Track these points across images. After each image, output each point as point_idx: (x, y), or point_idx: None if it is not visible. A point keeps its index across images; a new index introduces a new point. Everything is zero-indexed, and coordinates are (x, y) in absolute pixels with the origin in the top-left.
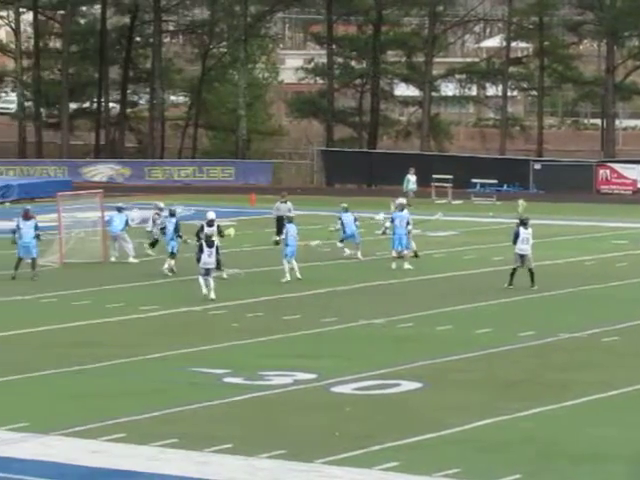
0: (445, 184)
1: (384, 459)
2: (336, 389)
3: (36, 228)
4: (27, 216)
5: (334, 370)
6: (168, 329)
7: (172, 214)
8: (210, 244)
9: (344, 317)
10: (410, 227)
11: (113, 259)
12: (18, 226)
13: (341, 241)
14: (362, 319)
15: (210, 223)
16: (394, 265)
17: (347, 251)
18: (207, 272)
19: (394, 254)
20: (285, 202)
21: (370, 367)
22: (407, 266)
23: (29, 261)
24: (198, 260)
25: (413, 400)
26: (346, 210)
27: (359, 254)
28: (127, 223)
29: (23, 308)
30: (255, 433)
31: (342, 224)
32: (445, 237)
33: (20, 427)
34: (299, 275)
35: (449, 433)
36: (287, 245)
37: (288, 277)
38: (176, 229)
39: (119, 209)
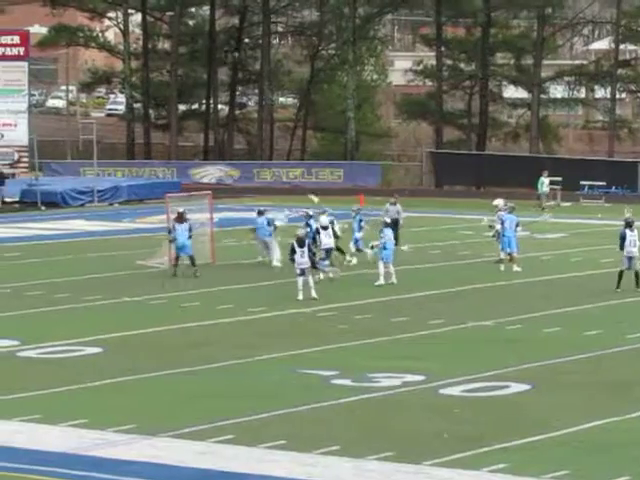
0: (554, 186)
1: (492, 461)
2: (444, 391)
3: (190, 230)
4: (181, 219)
5: (442, 372)
6: (277, 330)
7: (309, 217)
8: (301, 244)
9: (452, 319)
10: (519, 229)
11: (261, 258)
12: (174, 227)
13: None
14: (470, 321)
15: (324, 227)
16: (502, 267)
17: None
18: (303, 272)
19: (503, 256)
20: (394, 204)
21: (478, 369)
22: (516, 268)
23: (187, 261)
24: (292, 261)
25: (522, 402)
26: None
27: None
28: (270, 224)
29: (133, 310)
30: (363, 435)
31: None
32: (554, 239)
33: (129, 429)
34: (394, 280)
35: (558, 435)
36: (385, 249)
37: (382, 281)
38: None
39: (260, 212)
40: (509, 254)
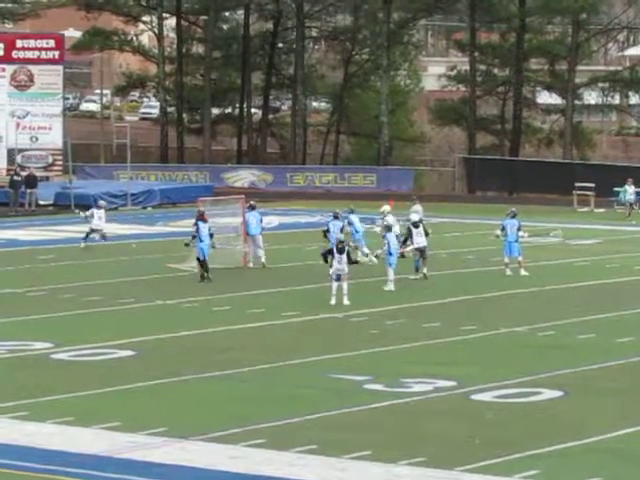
0: (588, 192)
1: (524, 467)
2: (476, 397)
3: (209, 229)
4: (205, 218)
5: (474, 378)
6: (309, 335)
7: (336, 217)
8: (340, 250)
9: (484, 325)
10: (521, 233)
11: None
12: (197, 226)
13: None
14: (503, 327)
15: (415, 224)
16: (508, 271)
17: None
18: (339, 278)
19: (507, 260)
20: (415, 204)
21: (511, 375)
22: (523, 272)
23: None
24: (324, 260)
25: (554, 408)
26: (352, 211)
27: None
28: (342, 229)
29: (165, 313)
30: (395, 440)
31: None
32: (588, 245)
33: (161, 431)
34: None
35: (590, 442)
36: (390, 254)
37: (392, 287)
38: (342, 231)
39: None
40: (511, 259)
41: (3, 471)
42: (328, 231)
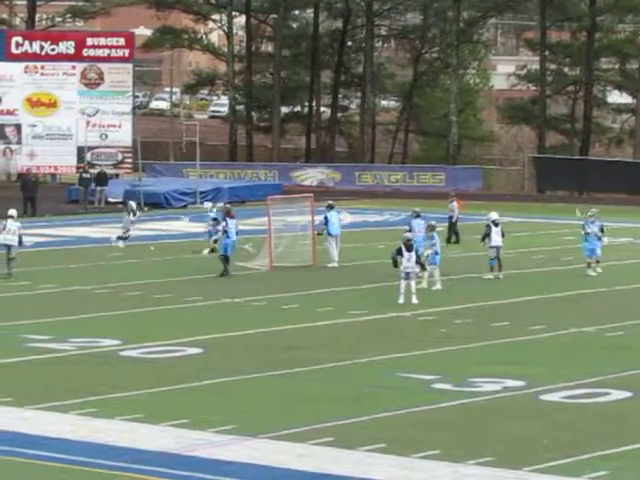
0: None
1: (592, 468)
2: (545, 397)
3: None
4: (232, 215)
5: (543, 378)
6: (377, 334)
7: (417, 215)
8: (409, 248)
9: (553, 325)
10: (604, 239)
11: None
12: (225, 221)
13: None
14: (572, 327)
15: (495, 223)
16: (590, 271)
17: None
18: (407, 276)
19: (589, 261)
20: (451, 202)
21: (579, 375)
22: (591, 273)
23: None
24: (394, 263)
25: (623, 409)
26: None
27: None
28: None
29: (233, 311)
30: (463, 440)
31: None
32: None
33: (229, 429)
34: (425, 285)
35: None
36: (437, 254)
37: (439, 286)
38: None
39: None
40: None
41: (72, 467)
42: (411, 230)
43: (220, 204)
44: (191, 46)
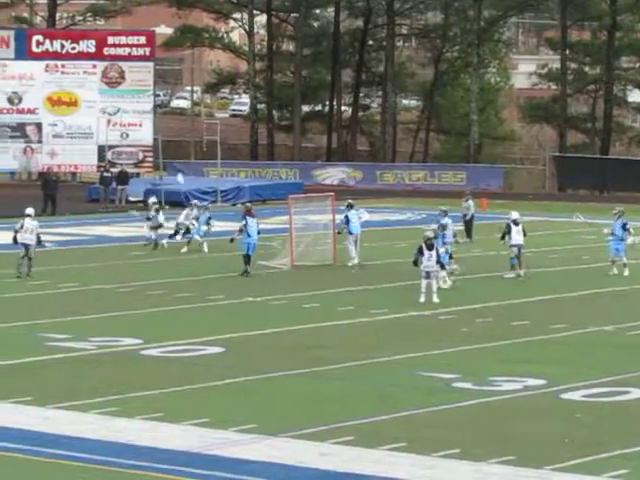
0: None
1: (613, 466)
2: (565, 395)
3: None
4: (252, 213)
5: (563, 376)
6: (397, 333)
7: (446, 214)
8: (430, 247)
9: (573, 324)
10: (630, 237)
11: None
12: (246, 220)
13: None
14: (592, 326)
15: (515, 222)
16: (615, 270)
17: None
18: (428, 275)
19: (613, 259)
20: (466, 200)
21: (600, 374)
22: (615, 271)
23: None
24: (415, 263)
25: None
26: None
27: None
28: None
29: (254, 310)
30: (484, 438)
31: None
32: None
33: (249, 428)
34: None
35: None
36: (447, 253)
37: (449, 282)
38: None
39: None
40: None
41: (93, 467)
42: (444, 228)
43: (201, 203)
44: (212, 45)
